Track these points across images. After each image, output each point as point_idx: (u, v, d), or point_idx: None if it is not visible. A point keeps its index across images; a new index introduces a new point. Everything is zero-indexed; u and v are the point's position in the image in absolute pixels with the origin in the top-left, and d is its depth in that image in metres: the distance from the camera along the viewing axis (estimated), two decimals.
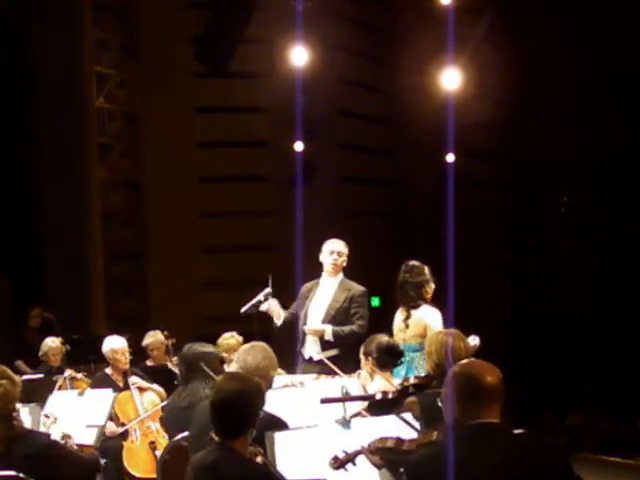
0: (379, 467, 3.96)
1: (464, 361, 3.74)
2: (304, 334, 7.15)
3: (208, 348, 5.82)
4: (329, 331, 7.02)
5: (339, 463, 3.96)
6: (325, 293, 7.20)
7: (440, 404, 3.69)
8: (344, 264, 7.26)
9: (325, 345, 7.04)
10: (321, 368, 6.64)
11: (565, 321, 13.18)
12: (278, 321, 7.24)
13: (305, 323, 7.15)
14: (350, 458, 3.96)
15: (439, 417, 3.80)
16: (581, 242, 13.44)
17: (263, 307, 7.24)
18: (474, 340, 6.56)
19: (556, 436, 10.39)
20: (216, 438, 3.96)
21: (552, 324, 13.35)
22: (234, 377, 4.26)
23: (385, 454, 3.93)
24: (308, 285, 7.33)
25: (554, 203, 14.27)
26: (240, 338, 7.34)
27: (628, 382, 11.70)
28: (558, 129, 13.58)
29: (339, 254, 7.20)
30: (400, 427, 4.23)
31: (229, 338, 7.32)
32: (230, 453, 3.92)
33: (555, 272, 13.68)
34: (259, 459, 4.03)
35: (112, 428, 6.89)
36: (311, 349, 7.11)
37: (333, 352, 6.94)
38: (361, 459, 3.98)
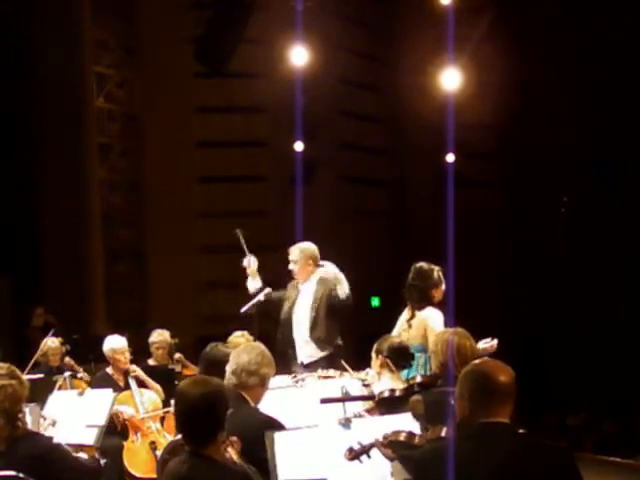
0: (391, 460, 3.96)
1: (477, 360, 3.70)
2: (293, 340, 7.12)
3: (231, 350, 5.80)
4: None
5: (354, 455, 3.95)
6: (306, 296, 7.16)
7: (450, 402, 3.68)
8: (307, 266, 7.10)
9: (319, 345, 7.02)
10: (311, 371, 6.63)
11: (565, 321, 13.18)
12: (252, 284, 7.20)
13: (292, 330, 7.12)
14: (365, 450, 3.95)
15: (443, 415, 3.80)
16: (581, 242, 13.44)
17: (244, 262, 7.20)
18: (486, 343, 6.45)
19: (556, 436, 10.39)
20: (187, 447, 3.83)
21: (552, 324, 13.36)
22: (195, 382, 4.00)
23: (397, 447, 3.93)
24: (294, 283, 7.27)
25: (554, 203, 14.27)
26: (250, 337, 7.25)
27: (628, 382, 11.70)
28: (558, 129, 13.59)
29: (290, 262, 7.15)
30: (401, 426, 4.22)
31: (239, 337, 7.03)
32: (204, 461, 3.78)
33: (555, 272, 13.68)
34: (235, 453, 3.96)
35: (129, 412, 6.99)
36: (302, 354, 7.11)
37: (325, 353, 6.95)
38: (375, 451, 3.97)
